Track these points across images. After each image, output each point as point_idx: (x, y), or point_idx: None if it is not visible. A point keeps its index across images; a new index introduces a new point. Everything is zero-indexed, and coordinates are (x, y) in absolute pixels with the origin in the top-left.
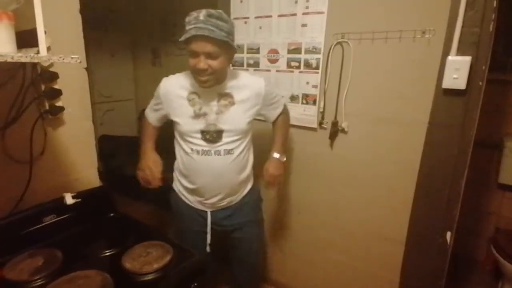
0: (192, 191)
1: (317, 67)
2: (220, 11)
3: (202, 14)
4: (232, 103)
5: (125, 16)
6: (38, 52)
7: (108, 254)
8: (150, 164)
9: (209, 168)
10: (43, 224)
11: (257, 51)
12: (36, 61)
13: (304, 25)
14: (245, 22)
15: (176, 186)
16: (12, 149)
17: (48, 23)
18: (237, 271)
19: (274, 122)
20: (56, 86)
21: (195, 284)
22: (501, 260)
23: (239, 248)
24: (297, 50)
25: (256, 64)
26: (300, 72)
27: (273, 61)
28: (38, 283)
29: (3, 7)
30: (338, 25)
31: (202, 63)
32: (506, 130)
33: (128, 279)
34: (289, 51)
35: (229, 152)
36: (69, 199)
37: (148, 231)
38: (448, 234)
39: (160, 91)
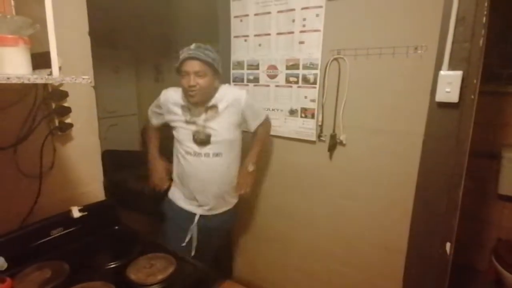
0: (184, 194)
1: (314, 82)
2: (207, 45)
3: (192, 45)
4: (217, 112)
5: (128, 34)
6: (50, 73)
7: (113, 266)
8: (158, 168)
9: (202, 169)
10: (51, 237)
11: (256, 67)
12: (50, 82)
13: (301, 42)
14: (245, 40)
15: (171, 192)
16: (23, 164)
17: (59, 44)
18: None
19: (253, 133)
20: (66, 104)
21: None
22: (502, 270)
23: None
24: (295, 66)
25: (256, 80)
26: (299, 87)
27: (272, 76)
28: None
29: (19, 32)
30: (334, 42)
31: (192, 80)
32: (503, 141)
33: None
34: (288, 67)
35: (217, 155)
36: (76, 213)
37: (152, 243)
38: (448, 244)
39: (160, 100)
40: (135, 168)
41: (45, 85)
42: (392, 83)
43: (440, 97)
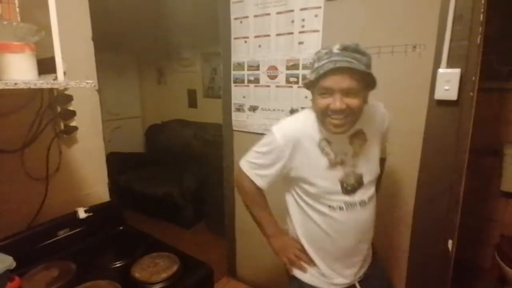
0: (322, 266)
1: None
2: (356, 43)
3: (335, 47)
4: (365, 140)
5: (131, 38)
6: (56, 78)
7: (118, 265)
8: (294, 249)
9: (357, 224)
10: (58, 237)
11: (257, 68)
12: (55, 87)
13: (301, 43)
14: (245, 41)
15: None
16: (30, 167)
17: (63, 50)
18: None
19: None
20: (71, 108)
21: None
22: (505, 267)
23: None
24: (295, 66)
25: (256, 81)
26: (299, 87)
27: (272, 77)
28: None
29: (25, 39)
30: (333, 42)
31: (339, 101)
32: (506, 138)
33: None
34: (288, 67)
35: (372, 197)
36: (81, 214)
37: (155, 243)
38: (450, 241)
39: (277, 145)
40: (139, 170)
41: (50, 90)
42: (391, 82)
43: (439, 95)
